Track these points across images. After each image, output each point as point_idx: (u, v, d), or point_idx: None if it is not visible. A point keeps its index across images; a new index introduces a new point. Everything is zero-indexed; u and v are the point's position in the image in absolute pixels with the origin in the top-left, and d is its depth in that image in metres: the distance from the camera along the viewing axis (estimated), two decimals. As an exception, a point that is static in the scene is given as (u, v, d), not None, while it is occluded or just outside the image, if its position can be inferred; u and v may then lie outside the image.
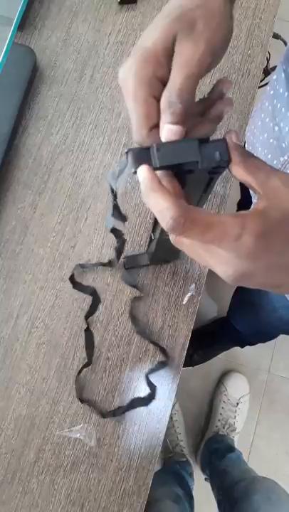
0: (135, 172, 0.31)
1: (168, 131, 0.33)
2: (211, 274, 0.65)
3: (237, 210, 0.98)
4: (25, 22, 0.69)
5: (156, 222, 0.46)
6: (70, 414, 0.61)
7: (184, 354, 0.63)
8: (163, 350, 0.62)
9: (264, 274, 0.31)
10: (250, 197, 0.73)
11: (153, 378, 0.62)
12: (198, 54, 0.32)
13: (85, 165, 0.66)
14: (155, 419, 0.61)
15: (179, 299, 0.63)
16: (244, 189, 1.12)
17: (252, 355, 1.43)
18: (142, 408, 0.61)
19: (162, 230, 0.46)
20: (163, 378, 0.62)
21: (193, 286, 0.63)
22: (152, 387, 0.61)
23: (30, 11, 0.70)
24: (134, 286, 0.62)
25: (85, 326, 0.62)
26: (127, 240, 0.64)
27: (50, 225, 0.65)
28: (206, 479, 1.30)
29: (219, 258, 0.30)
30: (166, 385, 0.62)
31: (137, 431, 0.61)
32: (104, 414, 0.60)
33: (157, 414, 0.62)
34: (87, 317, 0.62)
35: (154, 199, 0.30)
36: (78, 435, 0.61)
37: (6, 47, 0.63)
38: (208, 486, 1.22)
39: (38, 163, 0.66)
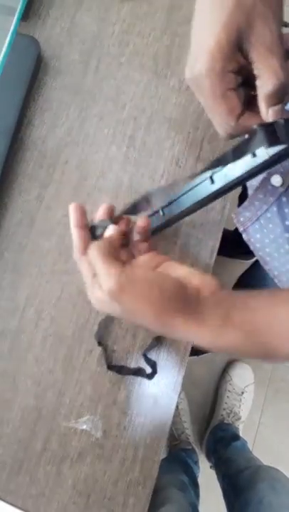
0: (268, 146, 0.34)
1: (276, 112, 0.35)
2: (217, 267, 0.65)
3: (239, 204, 0.97)
4: (29, 11, 0.68)
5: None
6: (76, 405, 0.62)
7: (190, 346, 0.63)
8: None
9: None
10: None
11: (159, 371, 0.62)
12: (276, 36, 0.32)
13: (90, 158, 0.66)
14: (161, 411, 0.62)
15: (184, 292, 0.63)
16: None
17: (257, 345, 1.43)
18: (148, 400, 0.62)
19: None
20: (168, 370, 0.62)
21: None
22: (152, 362, 0.62)
23: (34, -1, 0.69)
24: None
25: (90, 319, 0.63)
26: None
27: (55, 218, 0.65)
28: (211, 467, 1.32)
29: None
30: (171, 377, 0.62)
31: (143, 422, 0.62)
32: (109, 366, 0.61)
33: (163, 406, 0.62)
34: None
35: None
36: (85, 426, 0.61)
37: (9, 37, 0.62)
38: (213, 473, 1.23)
39: (44, 155, 0.66)
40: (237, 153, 0.37)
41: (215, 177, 0.41)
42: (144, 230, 0.43)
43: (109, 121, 0.66)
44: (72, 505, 0.61)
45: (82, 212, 0.42)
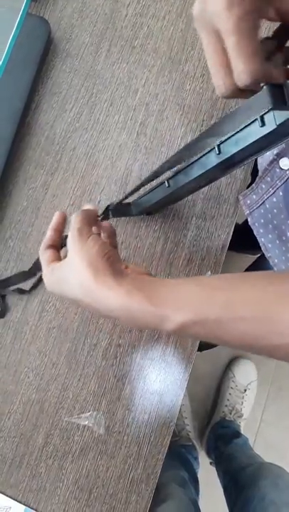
0: (271, 110, 0.30)
1: None
2: (226, 261, 0.63)
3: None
4: (40, -9, 0.66)
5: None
6: (79, 400, 0.60)
7: (197, 343, 0.61)
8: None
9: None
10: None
11: (165, 367, 0.60)
12: None
13: (99, 144, 0.63)
14: (166, 409, 0.60)
15: (193, 287, 0.61)
16: (253, 173, 1.09)
17: (261, 341, 1.41)
18: (153, 397, 0.60)
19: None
20: (175, 368, 0.61)
21: (209, 273, 0.61)
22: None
23: (45, -21, 0.66)
24: None
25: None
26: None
27: (62, 207, 0.63)
28: (211, 463, 1.31)
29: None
30: (177, 374, 0.61)
31: (147, 419, 0.60)
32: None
33: (168, 403, 0.60)
34: None
35: None
36: (87, 422, 0.60)
37: (19, 18, 0.60)
38: (213, 469, 1.22)
39: (51, 141, 0.64)
40: (239, 115, 0.34)
41: (222, 147, 0.38)
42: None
43: (120, 107, 0.64)
44: (74, 500, 0.60)
45: (63, 221, 0.47)
